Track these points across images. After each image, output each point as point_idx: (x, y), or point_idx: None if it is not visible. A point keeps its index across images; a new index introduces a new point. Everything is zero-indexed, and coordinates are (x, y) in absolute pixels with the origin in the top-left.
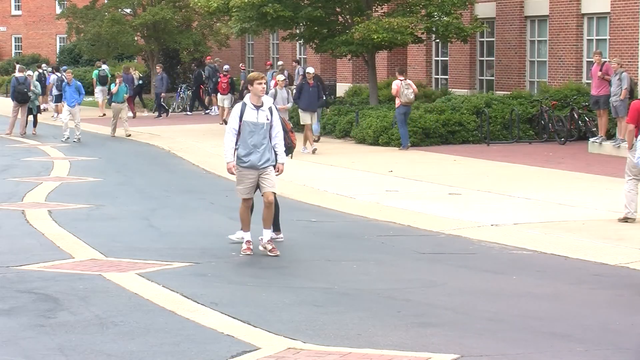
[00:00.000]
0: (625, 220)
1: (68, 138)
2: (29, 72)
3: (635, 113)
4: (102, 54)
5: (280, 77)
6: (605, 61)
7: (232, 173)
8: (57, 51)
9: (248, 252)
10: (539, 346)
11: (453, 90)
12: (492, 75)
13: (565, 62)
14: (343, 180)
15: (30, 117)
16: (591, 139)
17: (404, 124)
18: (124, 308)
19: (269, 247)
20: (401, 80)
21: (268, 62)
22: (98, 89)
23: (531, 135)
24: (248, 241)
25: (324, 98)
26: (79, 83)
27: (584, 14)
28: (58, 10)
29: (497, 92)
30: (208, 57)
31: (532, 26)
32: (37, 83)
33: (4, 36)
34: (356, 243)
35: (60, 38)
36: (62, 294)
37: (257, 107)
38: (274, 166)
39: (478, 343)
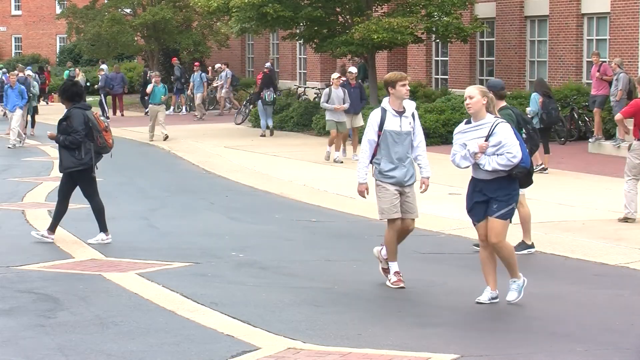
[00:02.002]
0: (625, 220)
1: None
2: (29, 72)
3: (633, 109)
4: (102, 54)
5: (335, 75)
6: (603, 62)
7: (364, 196)
8: (57, 51)
9: (401, 285)
10: (539, 346)
11: (453, 90)
12: (492, 75)
13: (565, 62)
14: (343, 180)
15: (28, 117)
16: (590, 139)
17: None
18: (124, 308)
19: (394, 278)
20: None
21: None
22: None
23: None
24: (397, 272)
25: (365, 101)
26: (22, 87)
27: (584, 14)
28: (58, 10)
29: None
30: (196, 63)
31: (532, 26)
32: (35, 83)
33: (4, 36)
34: (356, 243)
35: (60, 38)
36: (62, 294)
37: (400, 114)
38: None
39: (478, 343)
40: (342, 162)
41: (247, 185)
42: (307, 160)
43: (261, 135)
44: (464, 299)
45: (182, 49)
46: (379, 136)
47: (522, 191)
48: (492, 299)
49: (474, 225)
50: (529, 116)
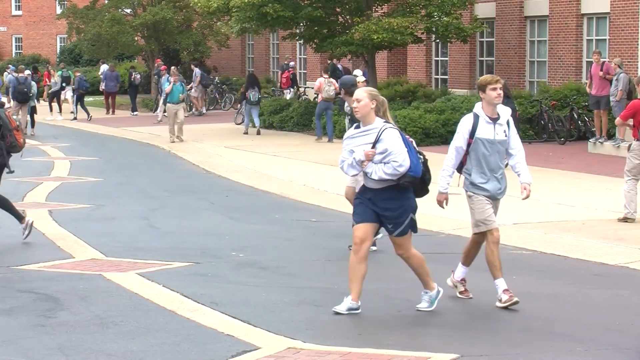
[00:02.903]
0: (625, 220)
1: None
2: (28, 72)
3: (631, 111)
4: (102, 54)
5: (361, 79)
6: (605, 61)
7: (442, 207)
8: (58, 51)
9: (470, 296)
10: (539, 346)
11: (453, 90)
12: None
13: (565, 62)
14: (343, 180)
15: (28, 118)
16: (591, 140)
17: (320, 117)
18: (124, 308)
19: (505, 297)
20: (325, 78)
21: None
22: (68, 87)
23: (531, 135)
24: (506, 290)
25: None
26: None
27: (583, 14)
28: (58, 10)
29: None
30: (163, 67)
31: (532, 26)
32: (34, 83)
33: (4, 36)
34: None
35: (60, 38)
36: (62, 294)
37: (494, 121)
38: (501, 189)
39: (478, 343)
40: None
41: (247, 185)
42: (307, 160)
43: (244, 133)
44: (464, 299)
45: (182, 49)
46: (469, 144)
47: None
48: (351, 309)
49: (352, 225)
50: None
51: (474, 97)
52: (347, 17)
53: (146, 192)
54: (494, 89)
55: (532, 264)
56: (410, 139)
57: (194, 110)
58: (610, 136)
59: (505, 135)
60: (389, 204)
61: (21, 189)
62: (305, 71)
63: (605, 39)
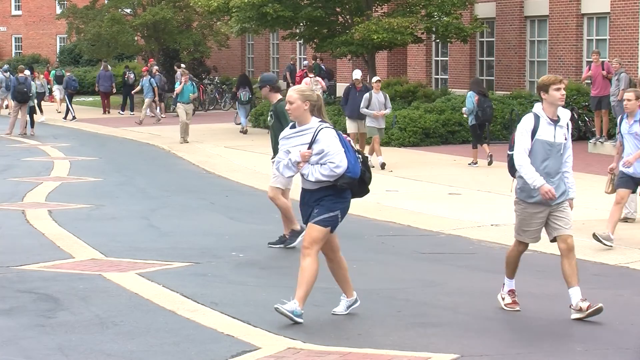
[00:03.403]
0: (625, 220)
1: None
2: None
3: None
4: (102, 54)
5: (375, 79)
6: (604, 60)
7: (554, 195)
8: (57, 51)
9: (517, 308)
10: (539, 346)
11: (453, 90)
12: (492, 75)
13: (565, 62)
14: None
15: (28, 118)
16: (591, 140)
17: None
18: (124, 308)
19: (584, 305)
20: (311, 77)
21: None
22: (55, 87)
23: None
24: (512, 290)
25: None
26: None
27: (584, 14)
28: (58, 10)
29: (497, 92)
30: (144, 68)
31: (532, 26)
32: (33, 84)
33: (4, 36)
34: (356, 243)
35: (60, 38)
36: (62, 294)
37: (555, 122)
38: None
39: (478, 343)
40: (372, 167)
41: (247, 185)
42: None
43: (241, 132)
44: (464, 299)
45: (182, 49)
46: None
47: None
48: (350, 306)
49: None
50: (464, 115)
51: None
52: (347, 17)
53: (146, 192)
54: (558, 89)
55: (532, 264)
56: (348, 138)
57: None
58: (611, 136)
59: (565, 138)
60: (323, 201)
61: (21, 189)
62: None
63: (605, 39)
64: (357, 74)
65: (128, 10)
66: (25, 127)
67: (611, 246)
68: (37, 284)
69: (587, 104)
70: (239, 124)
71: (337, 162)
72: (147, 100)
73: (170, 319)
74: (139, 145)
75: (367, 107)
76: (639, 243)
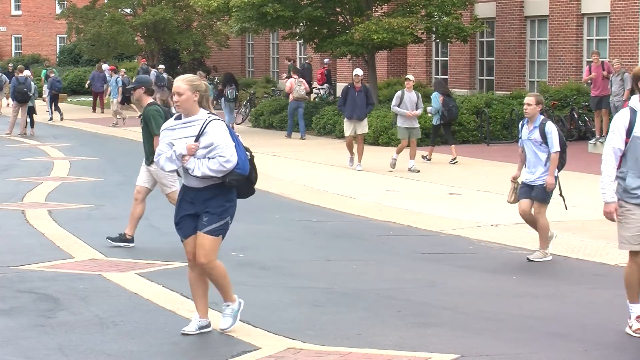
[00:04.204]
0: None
1: None
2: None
3: None
4: (102, 54)
5: (410, 77)
6: (604, 60)
7: (612, 219)
8: (57, 51)
9: None
10: (539, 346)
11: (453, 90)
12: (492, 75)
13: (565, 62)
14: (343, 180)
15: (27, 118)
16: (591, 140)
17: (292, 116)
18: (124, 308)
19: (636, 325)
20: (295, 78)
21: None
22: (45, 87)
23: None
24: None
25: (373, 104)
26: None
27: (584, 14)
28: (58, 10)
29: (497, 92)
30: (111, 67)
31: (532, 26)
32: (33, 84)
33: (4, 36)
34: (356, 243)
35: (60, 38)
36: (62, 294)
37: None
38: None
39: (478, 343)
40: (418, 171)
41: None
42: (307, 160)
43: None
44: (464, 299)
45: (182, 49)
46: (625, 143)
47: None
48: (202, 327)
49: (182, 241)
50: (429, 114)
51: (474, 97)
52: (347, 17)
53: None
54: None
55: (532, 264)
56: (237, 133)
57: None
58: None
59: None
60: (212, 202)
61: (21, 189)
62: None
63: (605, 39)
64: (358, 72)
65: (128, 10)
66: (25, 127)
67: (551, 258)
68: (37, 284)
69: (587, 104)
70: (239, 123)
71: (227, 156)
72: (114, 102)
73: (170, 319)
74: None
75: (398, 106)
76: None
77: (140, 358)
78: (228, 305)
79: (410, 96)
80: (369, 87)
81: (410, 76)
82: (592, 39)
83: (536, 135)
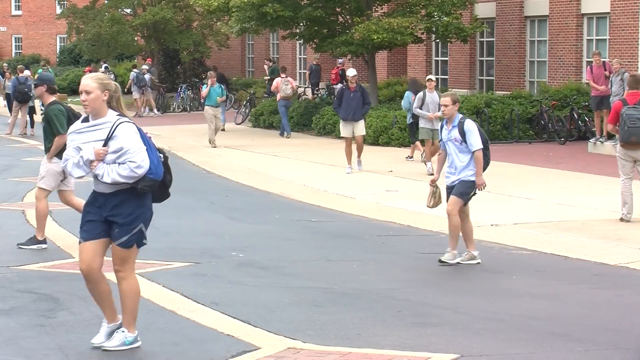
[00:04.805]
0: (622, 220)
1: None
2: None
3: (614, 114)
4: (102, 54)
5: (430, 77)
6: (605, 60)
7: None
8: (57, 51)
9: None
10: (539, 346)
11: (453, 90)
12: (492, 75)
13: (565, 62)
14: (343, 180)
15: (28, 118)
16: (591, 140)
17: (285, 115)
18: None
19: None
20: (282, 77)
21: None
22: None
23: (531, 135)
24: None
25: (369, 104)
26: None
27: (584, 14)
28: (58, 10)
29: (497, 92)
30: (87, 69)
31: (532, 26)
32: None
33: (4, 36)
34: (356, 243)
35: (60, 38)
36: (62, 294)
37: None
38: None
39: (478, 343)
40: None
41: (247, 185)
42: (307, 160)
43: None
44: (464, 299)
45: (182, 49)
46: None
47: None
48: (112, 332)
49: (79, 243)
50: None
51: (474, 97)
52: (347, 17)
53: None
54: None
55: (532, 264)
56: (149, 135)
57: (142, 111)
58: (611, 136)
59: None
60: (120, 209)
61: (21, 189)
62: (305, 71)
63: (605, 39)
64: (352, 72)
65: (128, 10)
66: (25, 127)
67: (479, 262)
68: (37, 284)
69: (587, 103)
70: (239, 124)
71: (138, 161)
72: None
73: (170, 319)
74: None
75: (420, 108)
76: (639, 243)
77: (140, 358)
78: (123, 331)
79: (433, 97)
80: (366, 86)
81: (432, 77)
82: (592, 39)
83: (455, 134)
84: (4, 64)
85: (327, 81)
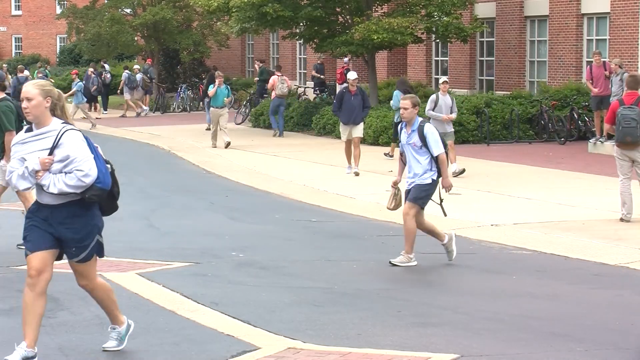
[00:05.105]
0: (621, 220)
1: None
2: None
3: (611, 114)
4: (102, 54)
5: (442, 79)
6: (605, 60)
7: None
8: (57, 51)
9: None
10: (539, 346)
11: (453, 90)
12: (492, 75)
13: (565, 62)
14: (343, 180)
15: None
16: (591, 140)
17: (274, 113)
18: (124, 308)
19: None
20: (278, 75)
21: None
22: None
23: (531, 135)
24: None
25: (369, 107)
26: None
27: (584, 14)
28: (58, 10)
29: (497, 92)
30: (73, 72)
31: (532, 26)
32: None
33: (4, 36)
34: (356, 243)
35: (60, 38)
36: (62, 294)
37: None
38: None
39: (478, 343)
40: (464, 170)
41: (247, 185)
42: (307, 160)
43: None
44: (464, 299)
45: (182, 49)
46: None
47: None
48: (26, 359)
49: (25, 255)
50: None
51: (474, 97)
52: (347, 17)
53: (146, 192)
54: None
55: (532, 264)
56: (96, 144)
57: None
58: (610, 136)
59: None
60: (70, 224)
61: None
62: (305, 71)
63: (605, 39)
64: (353, 75)
65: (128, 10)
66: None
67: (415, 264)
68: None
69: (587, 103)
70: (239, 124)
71: (85, 170)
72: (83, 106)
73: (170, 319)
74: (139, 145)
75: (433, 110)
76: (639, 243)
77: (140, 358)
78: (114, 329)
79: (445, 100)
80: (366, 86)
81: (445, 78)
82: (592, 39)
83: (415, 139)
84: (4, 64)
85: (332, 81)
